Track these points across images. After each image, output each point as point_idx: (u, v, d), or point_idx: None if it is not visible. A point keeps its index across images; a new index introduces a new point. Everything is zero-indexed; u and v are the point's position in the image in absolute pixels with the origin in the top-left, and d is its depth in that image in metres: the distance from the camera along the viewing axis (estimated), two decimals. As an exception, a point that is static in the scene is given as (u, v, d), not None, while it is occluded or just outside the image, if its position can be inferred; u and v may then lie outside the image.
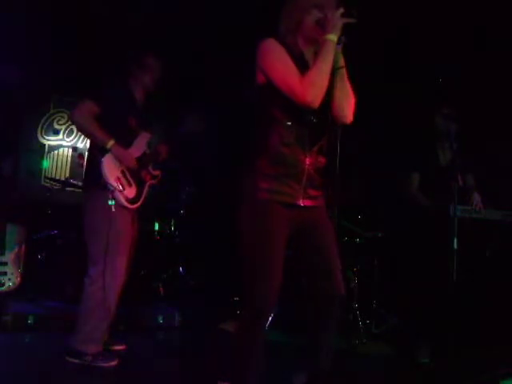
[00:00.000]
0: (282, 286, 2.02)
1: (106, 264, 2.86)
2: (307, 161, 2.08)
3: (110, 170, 2.89)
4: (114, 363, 2.84)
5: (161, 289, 4.69)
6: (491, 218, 3.38)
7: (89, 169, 3.04)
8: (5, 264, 3.82)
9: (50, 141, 5.80)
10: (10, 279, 3.82)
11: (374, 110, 4.41)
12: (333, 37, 1.98)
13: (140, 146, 3.12)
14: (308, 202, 2.10)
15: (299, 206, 2.08)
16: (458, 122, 3.42)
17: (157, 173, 3.24)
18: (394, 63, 4.52)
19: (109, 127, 2.91)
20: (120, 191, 2.88)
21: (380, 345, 3.74)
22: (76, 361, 2.81)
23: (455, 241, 3.06)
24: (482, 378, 2.74)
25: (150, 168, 3.20)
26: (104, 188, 2.86)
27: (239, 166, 2.20)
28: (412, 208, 3.58)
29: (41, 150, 5.70)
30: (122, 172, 2.95)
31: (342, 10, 1.97)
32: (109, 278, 2.87)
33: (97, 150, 2.93)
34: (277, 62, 2.03)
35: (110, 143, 2.88)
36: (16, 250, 3.91)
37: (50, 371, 2.75)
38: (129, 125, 3.05)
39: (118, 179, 2.90)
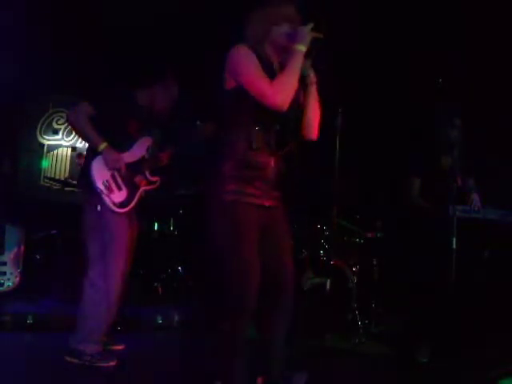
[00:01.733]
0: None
1: (104, 265, 2.87)
2: (272, 164, 2.19)
3: (99, 172, 2.89)
4: (112, 363, 2.84)
5: (159, 288, 4.68)
6: (490, 218, 3.39)
7: (82, 170, 3.04)
8: (4, 264, 3.82)
9: (50, 140, 5.79)
10: (9, 279, 3.82)
11: (375, 113, 4.42)
12: (301, 47, 2.10)
13: (138, 150, 3.09)
14: (271, 203, 2.22)
15: (265, 206, 2.18)
16: (460, 124, 3.42)
17: (155, 179, 3.18)
18: (395, 64, 4.52)
19: (105, 130, 2.90)
20: (106, 195, 2.88)
21: (379, 345, 3.73)
22: (75, 361, 2.80)
23: (454, 240, 3.07)
24: (482, 377, 2.74)
25: (148, 173, 3.14)
26: (93, 190, 2.86)
27: (207, 168, 2.25)
28: (412, 209, 3.57)
29: (40, 150, 5.70)
30: (113, 176, 2.94)
31: (311, 25, 2.09)
32: (108, 278, 2.87)
33: (91, 152, 2.94)
34: (249, 65, 2.11)
35: (102, 146, 2.87)
36: (15, 249, 3.91)
37: (49, 371, 2.74)
38: (127, 128, 3.03)
39: (106, 182, 2.90)
